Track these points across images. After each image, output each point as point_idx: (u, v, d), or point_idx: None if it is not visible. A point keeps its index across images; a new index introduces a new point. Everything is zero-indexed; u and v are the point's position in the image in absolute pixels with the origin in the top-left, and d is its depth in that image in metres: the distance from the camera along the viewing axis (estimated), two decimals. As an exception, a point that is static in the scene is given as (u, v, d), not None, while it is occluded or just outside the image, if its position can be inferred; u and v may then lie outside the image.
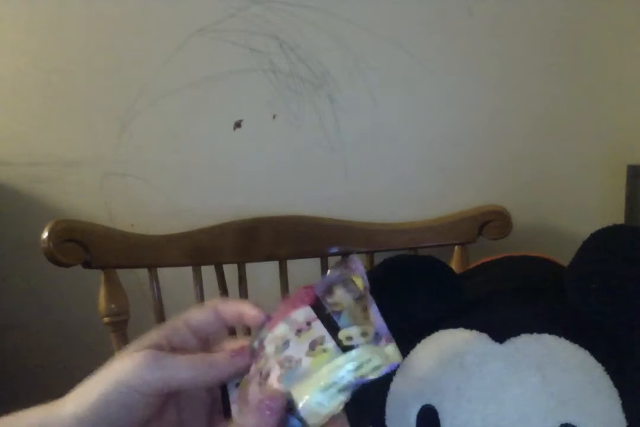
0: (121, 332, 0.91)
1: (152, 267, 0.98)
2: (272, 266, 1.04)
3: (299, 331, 0.36)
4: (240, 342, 0.45)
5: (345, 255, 1.05)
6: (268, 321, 0.41)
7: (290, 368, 0.34)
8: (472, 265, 0.63)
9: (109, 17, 1.06)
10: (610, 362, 0.43)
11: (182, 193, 1.13)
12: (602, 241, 0.46)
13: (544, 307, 0.47)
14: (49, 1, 1.05)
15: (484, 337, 0.44)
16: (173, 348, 0.42)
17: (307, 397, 0.32)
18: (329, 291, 0.37)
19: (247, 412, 0.35)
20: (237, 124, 1.11)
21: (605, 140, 1.16)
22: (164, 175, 1.12)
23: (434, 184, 1.16)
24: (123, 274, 0.96)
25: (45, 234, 0.87)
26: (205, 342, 0.45)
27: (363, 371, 0.32)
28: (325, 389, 0.32)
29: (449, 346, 0.46)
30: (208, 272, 1.02)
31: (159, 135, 1.11)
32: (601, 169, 1.17)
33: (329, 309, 0.36)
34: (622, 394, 0.42)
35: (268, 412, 0.34)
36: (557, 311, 0.46)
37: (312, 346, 0.34)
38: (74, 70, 1.08)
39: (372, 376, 0.33)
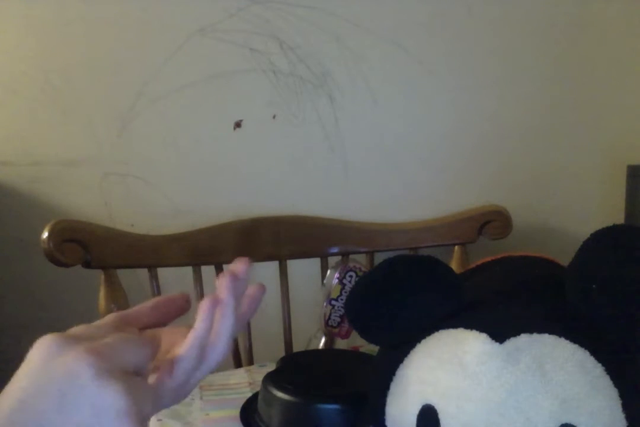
0: (121, 332, 0.91)
1: (152, 267, 0.98)
2: (272, 266, 1.04)
3: None
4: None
5: (345, 255, 1.05)
6: None
7: None
8: (472, 265, 0.63)
9: (108, 17, 1.06)
10: (610, 362, 0.43)
11: (182, 193, 1.13)
12: (602, 241, 0.46)
13: (544, 307, 0.47)
14: (49, 1, 1.05)
15: (484, 337, 0.44)
16: None
17: None
18: None
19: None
20: (237, 124, 1.11)
21: (605, 140, 1.16)
22: (164, 175, 1.12)
23: (434, 184, 1.16)
24: (123, 274, 0.96)
25: (45, 234, 0.87)
26: None
27: None
28: None
29: (449, 346, 0.46)
30: (208, 272, 1.02)
31: (159, 135, 1.11)
32: (601, 169, 1.17)
33: None
34: (622, 394, 0.42)
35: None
36: (557, 311, 0.46)
37: None
38: (74, 70, 1.08)
39: None
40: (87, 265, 0.91)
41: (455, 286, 0.49)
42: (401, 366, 0.49)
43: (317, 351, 0.92)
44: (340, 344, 0.95)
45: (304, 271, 1.09)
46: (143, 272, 0.98)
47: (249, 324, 1.04)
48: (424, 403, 0.46)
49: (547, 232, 1.18)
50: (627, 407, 0.42)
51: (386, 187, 1.15)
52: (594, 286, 0.43)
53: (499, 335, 0.44)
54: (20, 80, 1.08)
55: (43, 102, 1.08)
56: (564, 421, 0.41)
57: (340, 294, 0.89)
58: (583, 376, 0.42)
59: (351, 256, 1.04)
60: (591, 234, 0.46)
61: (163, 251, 0.98)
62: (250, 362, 1.03)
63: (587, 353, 0.43)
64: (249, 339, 1.04)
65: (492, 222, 1.06)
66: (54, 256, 0.87)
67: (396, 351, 0.50)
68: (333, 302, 0.89)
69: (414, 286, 0.48)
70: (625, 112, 1.15)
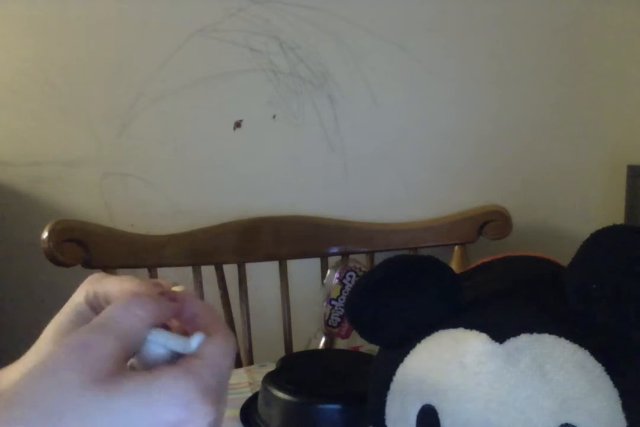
0: (121, 332, 0.91)
1: (152, 267, 0.98)
2: (272, 266, 1.04)
3: None
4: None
5: (345, 255, 1.05)
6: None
7: None
8: (472, 265, 0.63)
9: (108, 17, 1.06)
10: (610, 362, 0.43)
11: (182, 193, 1.13)
12: (602, 241, 0.46)
13: (544, 307, 0.47)
14: (50, 2, 1.05)
15: (484, 337, 0.44)
16: None
17: None
18: None
19: None
20: (237, 124, 1.11)
21: (605, 141, 1.16)
22: (164, 175, 1.12)
23: (434, 184, 1.16)
24: (123, 274, 0.96)
25: (45, 234, 0.87)
26: None
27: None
28: None
29: (449, 346, 0.46)
30: (208, 272, 1.02)
31: (159, 136, 1.11)
32: (601, 169, 1.17)
33: None
34: (622, 394, 0.42)
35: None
36: (557, 311, 0.46)
37: None
38: (74, 70, 1.08)
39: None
40: (87, 265, 0.91)
41: (455, 286, 0.49)
42: (401, 366, 0.49)
43: (317, 351, 0.91)
44: (340, 344, 0.95)
45: (304, 271, 1.09)
46: (143, 272, 0.98)
47: (249, 324, 1.04)
48: (424, 403, 0.45)
49: (547, 232, 1.18)
50: (627, 407, 0.42)
51: (386, 187, 1.15)
52: (594, 285, 0.43)
53: (499, 335, 0.44)
54: (20, 80, 1.08)
55: (43, 102, 1.08)
56: (564, 421, 0.41)
57: (340, 294, 0.89)
58: (583, 376, 0.42)
59: (351, 256, 1.04)
60: (591, 234, 0.46)
61: (163, 251, 0.98)
62: (250, 362, 1.03)
63: (587, 353, 0.43)
64: (249, 339, 1.04)
65: (492, 222, 1.06)
66: (54, 256, 0.87)
67: (396, 351, 0.50)
68: (333, 302, 0.89)
69: (413, 286, 0.48)
70: (625, 112, 1.15)
